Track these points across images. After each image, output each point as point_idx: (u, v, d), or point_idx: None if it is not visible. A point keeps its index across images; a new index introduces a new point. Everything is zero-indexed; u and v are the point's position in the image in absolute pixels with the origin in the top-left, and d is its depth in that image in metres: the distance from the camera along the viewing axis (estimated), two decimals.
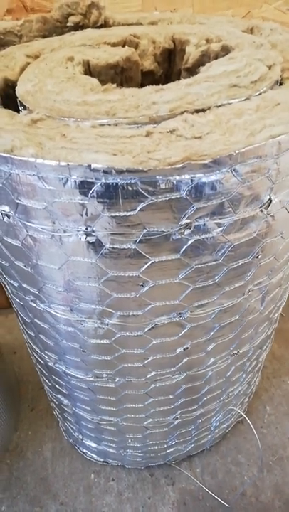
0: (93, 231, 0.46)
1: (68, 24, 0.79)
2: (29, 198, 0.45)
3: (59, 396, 0.89)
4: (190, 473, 1.01)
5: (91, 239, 0.47)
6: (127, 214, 0.44)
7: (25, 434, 1.12)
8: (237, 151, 0.41)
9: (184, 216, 0.45)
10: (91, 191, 0.42)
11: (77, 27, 0.80)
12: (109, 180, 0.41)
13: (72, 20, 0.78)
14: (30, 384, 1.24)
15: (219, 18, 0.83)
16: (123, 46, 0.72)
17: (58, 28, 0.79)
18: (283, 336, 1.34)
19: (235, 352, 0.74)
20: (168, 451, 0.96)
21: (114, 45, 0.72)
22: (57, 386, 0.85)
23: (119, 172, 0.40)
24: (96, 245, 0.48)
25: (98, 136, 0.44)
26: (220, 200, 0.45)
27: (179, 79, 0.79)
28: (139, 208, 0.43)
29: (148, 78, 0.77)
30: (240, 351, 0.75)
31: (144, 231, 0.46)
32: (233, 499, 0.95)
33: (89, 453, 1.04)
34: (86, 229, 0.46)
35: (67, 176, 0.41)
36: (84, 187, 0.42)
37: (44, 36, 0.79)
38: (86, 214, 0.45)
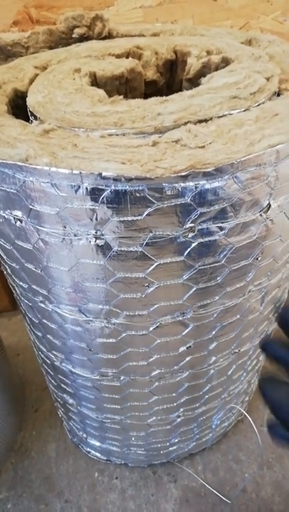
0: (102, 235, 0.49)
1: (73, 36, 0.82)
2: (42, 204, 0.48)
3: (64, 395, 0.91)
4: (192, 471, 1.03)
5: (100, 242, 0.50)
6: (135, 218, 0.46)
7: (29, 434, 1.14)
8: (238, 160, 0.44)
9: (188, 220, 0.48)
10: (101, 197, 0.44)
11: (82, 38, 0.83)
12: (118, 187, 0.43)
13: (78, 32, 0.81)
14: (33, 385, 1.27)
15: (219, 29, 0.86)
16: (127, 57, 0.75)
17: (64, 39, 0.82)
18: None
19: (236, 351, 0.76)
20: (170, 449, 0.98)
21: (118, 56, 0.74)
22: (62, 385, 0.87)
23: (128, 180, 0.42)
24: (105, 248, 0.50)
25: (108, 145, 0.47)
26: (222, 205, 0.47)
27: (180, 88, 0.82)
28: (146, 213, 0.46)
29: (150, 87, 0.80)
30: (241, 350, 0.77)
31: (151, 234, 0.48)
32: (234, 495, 0.98)
33: (93, 452, 1.06)
34: (96, 233, 0.49)
35: (79, 183, 0.44)
36: (94, 193, 0.44)
37: (50, 47, 0.82)
38: (96, 219, 0.47)
